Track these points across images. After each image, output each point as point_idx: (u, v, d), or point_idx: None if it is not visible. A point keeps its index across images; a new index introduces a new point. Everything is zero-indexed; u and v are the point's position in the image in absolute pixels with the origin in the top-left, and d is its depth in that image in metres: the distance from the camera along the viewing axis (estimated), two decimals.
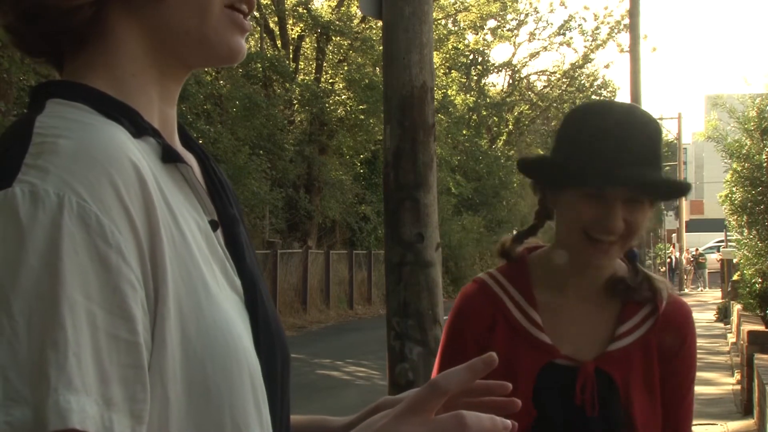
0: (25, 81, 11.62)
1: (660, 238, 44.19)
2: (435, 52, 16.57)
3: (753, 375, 7.93)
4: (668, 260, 38.05)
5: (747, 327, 9.49)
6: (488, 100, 34.94)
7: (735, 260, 13.65)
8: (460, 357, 1.68)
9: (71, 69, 0.88)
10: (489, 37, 35.30)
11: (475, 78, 36.04)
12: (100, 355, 0.71)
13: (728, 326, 16.07)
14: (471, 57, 35.27)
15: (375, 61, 22.83)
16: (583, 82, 38.16)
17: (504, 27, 35.57)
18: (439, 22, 29.11)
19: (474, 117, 33.34)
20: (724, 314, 17.91)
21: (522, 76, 38.43)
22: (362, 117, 23.22)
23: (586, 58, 36.76)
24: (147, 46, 0.89)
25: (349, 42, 24.21)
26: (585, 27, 52.90)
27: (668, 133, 46.85)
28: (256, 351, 0.86)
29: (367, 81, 22.61)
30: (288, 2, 23.76)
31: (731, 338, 14.05)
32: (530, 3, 36.12)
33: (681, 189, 1.69)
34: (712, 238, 43.51)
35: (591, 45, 36.07)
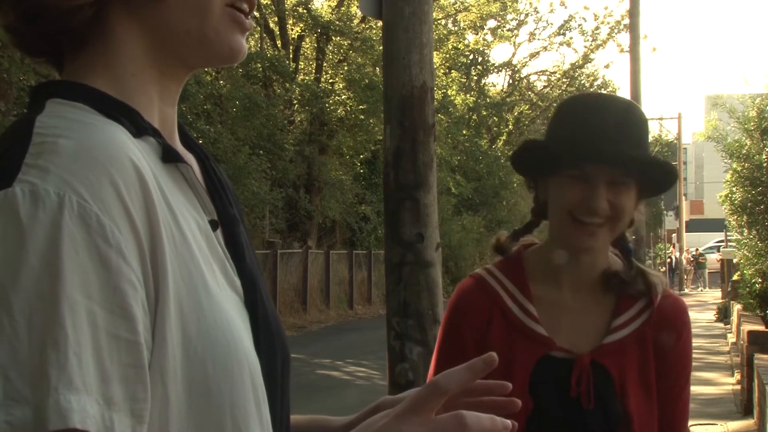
0: (25, 81, 11.62)
1: (660, 238, 44.21)
2: (435, 52, 16.57)
3: (753, 375, 7.93)
4: (668, 260, 38.04)
5: (747, 327, 9.49)
6: (488, 100, 34.94)
7: (735, 260, 13.65)
8: (458, 351, 1.71)
9: (71, 69, 0.88)
10: (489, 37, 35.31)
11: (475, 78, 36.04)
12: (100, 354, 0.71)
13: (728, 326, 16.07)
14: (471, 57, 35.27)
15: (375, 61, 22.83)
16: (583, 82, 38.14)
17: (504, 27, 35.57)
18: (439, 22, 29.10)
19: (474, 117, 33.34)
20: (724, 314, 17.92)
21: (522, 76, 38.43)
22: (362, 117, 23.22)
23: (586, 58, 36.78)
24: (147, 46, 0.88)
25: (349, 42, 24.21)
26: (585, 27, 52.99)
27: (668, 133, 46.85)
28: (256, 351, 0.86)
29: (367, 81, 22.61)
30: (288, 2, 23.76)
31: (731, 338, 14.05)
32: (530, 3, 36.14)
33: (663, 168, 1.68)
34: (712, 238, 43.52)
35: (591, 45, 36.08)
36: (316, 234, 23.89)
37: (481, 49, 35.25)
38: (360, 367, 13.08)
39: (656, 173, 1.68)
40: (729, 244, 18.18)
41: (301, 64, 24.77)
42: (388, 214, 4.24)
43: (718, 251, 27.55)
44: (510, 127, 37.33)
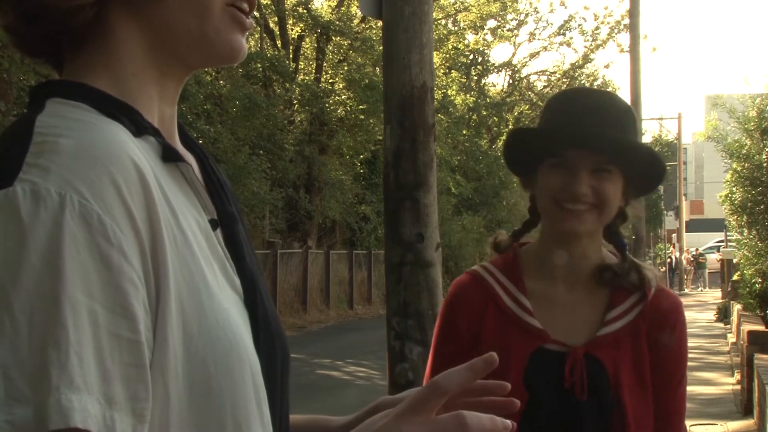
0: (25, 81, 11.62)
1: (660, 238, 44.19)
2: (435, 52, 16.57)
3: (753, 375, 7.93)
4: (668, 260, 38.02)
5: (747, 327, 9.49)
6: (488, 100, 34.92)
7: (735, 260, 13.65)
8: (453, 345, 1.73)
9: (71, 69, 0.88)
10: (489, 37, 35.28)
11: (475, 78, 36.02)
12: (101, 353, 0.71)
13: (728, 326, 16.07)
14: (471, 57, 35.24)
15: (375, 61, 22.83)
16: (583, 82, 38.12)
17: (504, 27, 35.54)
18: (439, 22, 29.10)
19: (474, 117, 33.32)
20: (724, 314, 17.91)
21: (522, 76, 38.41)
22: (362, 117, 23.22)
23: (586, 58, 36.76)
24: (147, 45, 0.88)
25: (349, 42, 24.21)
26: (585, 27, 53.00)
27: (668, 133, 46.85)
28: (256, 350, 0.86)
29: (367, 81, 22.61)
30: (288, 2, 23.75)
31: (731, 338, 14.04)
32: (530, 3, 36.10)
33: (646, 154, 1.70)
34: (712, 238, 43.51)
35: (591, 45, 36.07)
36: (316, 234, 23.89)
37: (481, 49, 35.22)
38: (360, 367, 13.07)
39: (640, 161, 1.70)
40: (729, 244, 18.18)
41: (301, 64, 24.76)
42: (388, 214, 4.24)
43: (718, 251, 27.55)
44: (510, 127, 37.30)
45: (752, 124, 10.85)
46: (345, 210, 24.12)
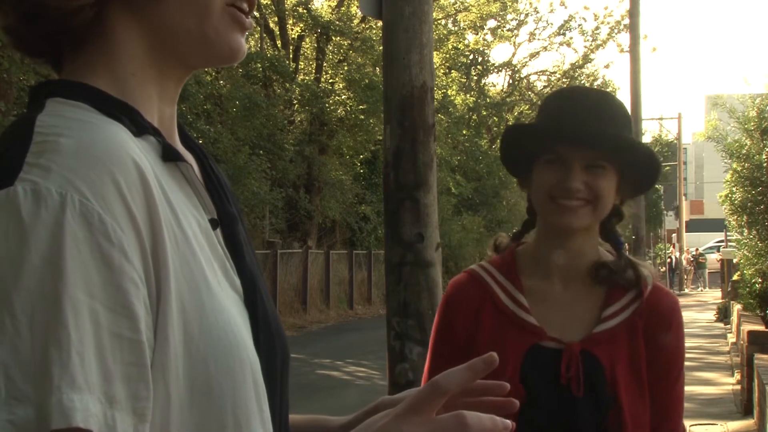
0: (25, 81, 11.62)
1: (660, 238, 44.18)
2: (435, 52, 16.57)
3: (753, 375, 7.93)
4: (668, 260, 38.01)
5: (747, 327, 9.49)
6: (488, 100, 34.91)
7: (735, 260, 13.65)
8: (451, 344, 1.75)
9: (71, 69, 0.88)
10: (489, 37, 35.29)
11: (475, 78, 36.02)
12: (103, 353, 0.71)
13: (728, 326, 16.07)
14: (471, 57, 35.24)
15: (375, 61, 22.83)
16: (583, 82, 38.11)
17: (504, 27, 35.55)
18: (439, 22, 29.10)
19: (474, 117, 33.32)
20: (724, 314, 17.91)
21: (522, 76, 38.41)
22: (362, 117, 23.21)
23: (586, 58, 36.76)
24: (147, 45, 0.88)
25: (349, 42, 24.21)
26: (585, 27, 53.01)
27: (668, 133, 46.84)
28: (256, 350, 0.86)
29: (367, 81, 22.61)
30: (288, 2, 23.75)
31: (731, 338, 14.04)
32: (530, 3, 36.11)
33: (640, 151, 1.72)
34: (712, 238, 43.50)
35: (591, 45, 36.06)
36: (316, 234, 23.89)
37: (481, 49, 35.22)
38: (360, 367, 13.07)
39: (634, 157, 1.71)
40: (729, 244, 18.18)
41: (301, 64, 24.76)
42: (388, 214, 4.24)
43: (718, 251, 27.54)
44: None
45: (752, 124, 10.85)
46: (345, 210, 24.12)
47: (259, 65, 21.56)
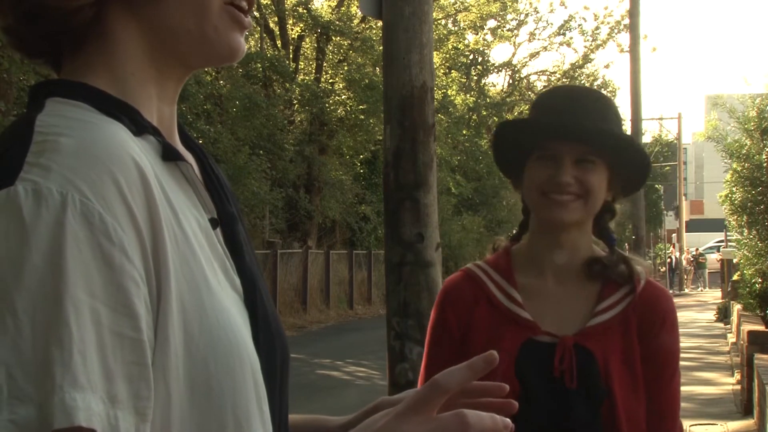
0: (25, 81, 11.62)
1: (660, 238, 44.19)
2: (435, 52, 16.57)
3: (753, 375, 7.93)
4: (668, 260, 38.01)
5: (747, 327, 9.49)
6: (488, 100, 34.91)
7: (735, 260, 13.64)
8: (447, 340, 1.76)
9: (70, 69, 0.88)
10: (489, 37, 35.30)
11: (475, 78, 36.02)
12: (104, 352, 0.71)
13: (728, 326, 16.06)
14: (471, 57, 35.25)
15: (375, 61, 22.83)
16: (583, 82, 38.11)
17: (504, 27, 35.56)
18: (439, 22, 29.09)
19: (474, 117, 33.31)
20: (724, 314, 17.90)
21: (522, 76, 38.42)
22: (362, 117, 23.22)
23: (586, 58, 36.77)
24: (146, 45, 0.89)
25: (349, 42, 24.21)
26: (585, 27, 53.01)
27: (668, 133, 46.84)
28: (256, 350, 0.86)
29: (367, 81, 22.61)
30: (288, 2, 23.75)
31: (731, 338, 14.04)
32: (530, 3, 36.13)
33: (629, 145, 1.73)
34: (712, 238, 43.50)
35: (591, 45, 36.08)
36: (316, 234, 23.89)
37: (481, 49, 35.23)
38: (360, 367, 13.07)
39: (623, 151, 1.73)
40: (729, 244, 18.17)
41: (301, 64, 24.76)
42: (388, 214, 4.24)
43: (718, 251, 27.54)
44: None
45: (752, 124, 10.85)
46: (345, 210, 24.12)
47: (259, 65, 21.56)
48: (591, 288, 1.74)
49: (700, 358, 13.05)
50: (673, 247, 39.58)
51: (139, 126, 0.84)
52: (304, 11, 23.45)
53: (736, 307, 12.69)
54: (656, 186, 43.57)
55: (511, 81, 38.19)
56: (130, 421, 0.72)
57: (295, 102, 23.19)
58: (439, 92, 26.00)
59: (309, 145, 22.94)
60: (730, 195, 11.08)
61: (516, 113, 37.08)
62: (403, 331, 4.08)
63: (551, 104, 1.72)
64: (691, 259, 38.83)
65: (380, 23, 4.37)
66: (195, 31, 0.89)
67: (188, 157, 0.94)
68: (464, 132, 30.64)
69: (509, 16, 35.34)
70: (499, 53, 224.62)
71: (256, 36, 22.99)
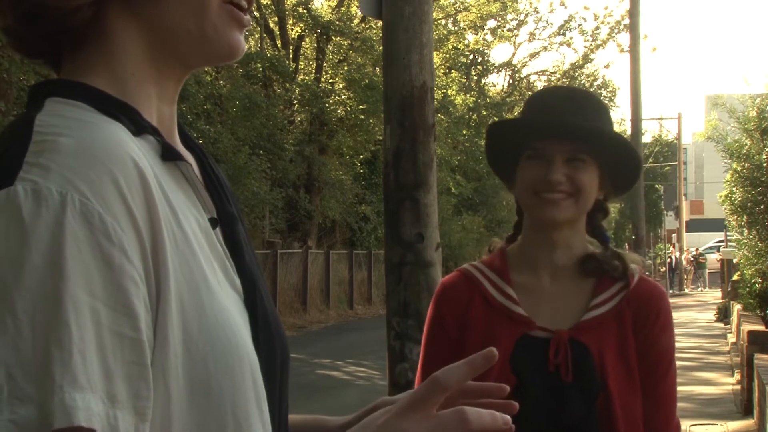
0: (25, 81, 11.63)
1: (660, 238, 44.17)
2: (435, 52, 16.58)
3: (753, 375, 7.93)
4: (668, 260, 38.00)
5: (747, 327, 9.49)
6: (488, 100, 34.93)
7: (735, 260, 13.64)
8: (443, 339, 1.77)
9: (70, 69, 0.88)
10: (489, 37, 35.31)
11: (475, 78, 36.03)
12: (104, 352, 0.71)
13: (728, 326, 16.05)
14: (471, 57, 35.26)
15: (375, 61, 22.83)
16: (583, 82, 38.13)
17: (504, 27, 35.58)
18: (439, 22, 29.09)
19: (474, 117, 33.32)
20: (724, 314, 17.90)
21: (522, 76, 38.43)
22: (362, 117, 23.22)
23: (586, 58, 36.79)
24: (146, 45, 0.89)
25: (349, 42, 24.21)
26: (585, 27, 53.09)
27: (668, 133, 46.84)
28: (256, 350, 0.86)
29: (367, 81, 22.61)
30: (288, 2, 23.75)
31: (731, 338, 14.04)
32: (530, 3, 36.15)
33: (614, 140, 1.75)
34: (712, 238, 43.49)
35: (591, 45, 36.10)
36: (316, 234, 23.89)
37: (481, 49, 35.24)
38: (360, 367, 13.07)
39: (613, 150, 1.74)
40: (729, 244, 18.17)
41: (301, 64, 24.76)
42: (388, 214, 4.24)
43: (718, 251, 27.53)
44: None
45: (752, 124, 10.84)
46: (345, 210, 24.12)
47: (259, 65, 21.56)
48: (585, 284, 1.76)
49: (700, 358, 13.05)
50: (673, 247, 39.56)
51: (138, 126, 0.84)
52: (304, 11, 23.45)
53: (736, 307, 12.69)
54: (656, 186, 43.60)
55: (511, 81, 38.20)
56: (129, 421, 0.72)
57: (295, 102, 23.19)
58: (439, 92, 26.00)
59: (309, 145, 22.94)
60: (730, 195, 11.08)
61: (516, 113, 37.10)
62: (403, 331, 4.08)
63: (541, 104, 1.74)
64: (691, 259, 38.82)
65: (380, 23, 4.37)
66: (194, 31, 0.89)
67: (188, 157, 0.94)
68: (464, 132, 30.64)
69: (509, 16, 35.37)
70: (499, 53, 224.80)
71: (256, 36, 23.00)
